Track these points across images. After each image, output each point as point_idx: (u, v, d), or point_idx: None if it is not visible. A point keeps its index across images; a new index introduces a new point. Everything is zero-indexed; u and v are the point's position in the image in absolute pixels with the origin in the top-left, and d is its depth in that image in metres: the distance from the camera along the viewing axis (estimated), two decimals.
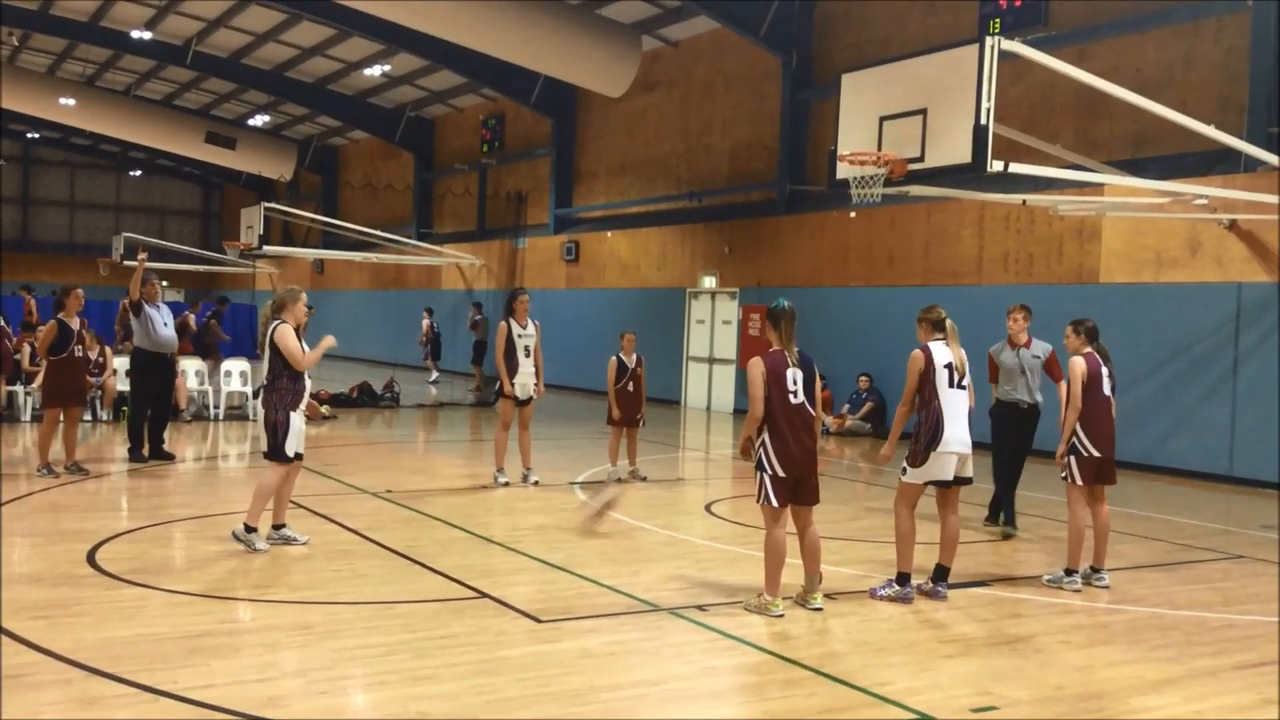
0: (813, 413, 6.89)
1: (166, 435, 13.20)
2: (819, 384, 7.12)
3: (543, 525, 9.62)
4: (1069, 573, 7.86)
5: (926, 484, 7.41)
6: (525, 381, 11.56)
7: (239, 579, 7.40)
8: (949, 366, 7.38)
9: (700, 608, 6.86)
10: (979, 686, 5.62)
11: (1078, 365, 8.03)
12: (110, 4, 27.79)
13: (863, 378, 17.78)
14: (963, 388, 7.38)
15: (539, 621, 6.46)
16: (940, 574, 7.45)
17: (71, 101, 34.22)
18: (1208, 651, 6.39)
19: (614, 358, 12.35)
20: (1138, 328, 14.59)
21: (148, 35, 28.94)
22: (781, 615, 6.69)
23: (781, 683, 5.65)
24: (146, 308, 12.49)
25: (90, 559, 7.65)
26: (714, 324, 22.14)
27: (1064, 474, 7.99)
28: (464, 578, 7.44)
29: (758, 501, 6.90)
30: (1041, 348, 10.12)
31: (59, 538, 8.40)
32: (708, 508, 10.88)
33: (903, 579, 7.28)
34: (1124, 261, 14.91)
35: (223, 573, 7.54)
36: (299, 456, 8.33)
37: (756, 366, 6.83)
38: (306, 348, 8.31)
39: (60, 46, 32.91)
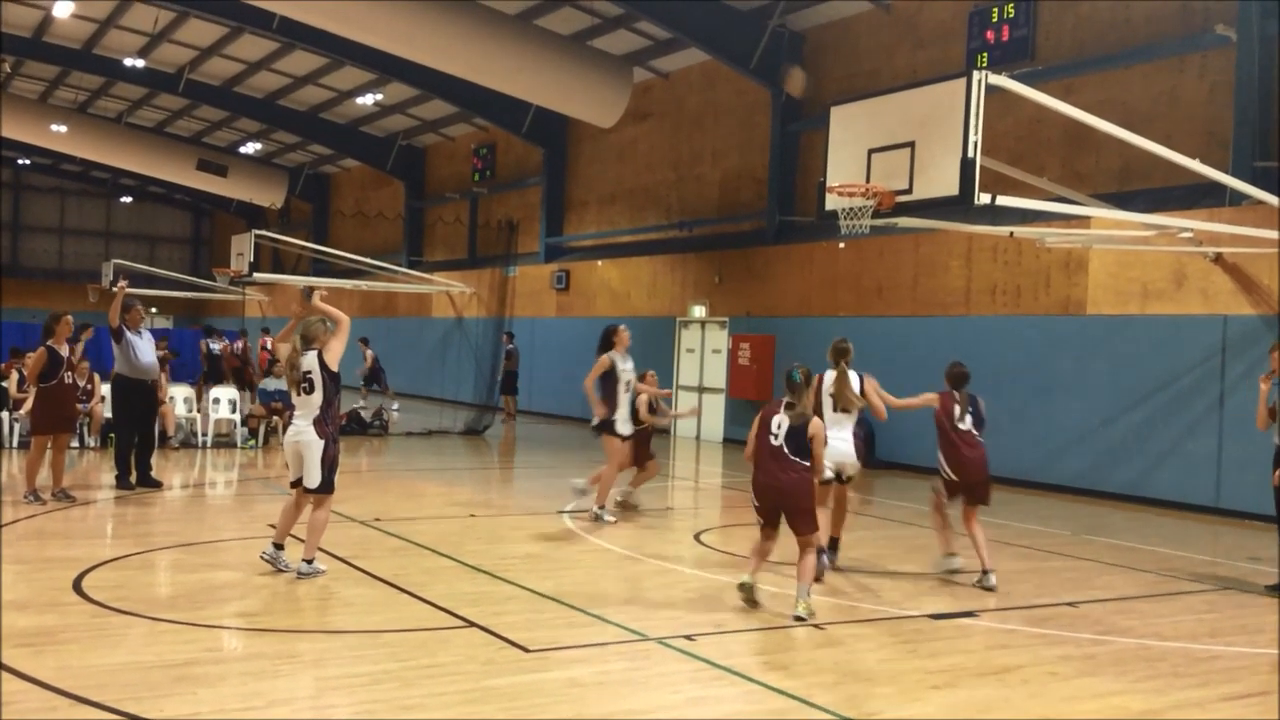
0: (791, 456, 7.68)
1: (154, 462, 13.14)
2: (815, 444, 7.75)
3: (531, 554, 9.60)
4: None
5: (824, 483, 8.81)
6: (628, 417, 11.40)
7: (225, 607, 7.37)
8: (830, 394, 9.10)
9: (688, 637, 6.86)
10: (967, 717, 5.63)
11: None
12: (104, 32, 27.88)
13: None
14: (848, 411, 9.17)
15: (527, 651, 6.45)
16: (831, 544, 9.22)
17: (63, 128, 34.25)
18: (1194, 683, 6.41)
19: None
20: (1124, 359, 14.68)
21: (140, 63, 29.03)
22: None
23: (769, 712, 5.64)
24: (128, 334, 12.39)
25: (76, 586, 7.62)
26: (704, 353, 22.18)
27: None
28: (452, 606, 7.43)
29: None
30: None
31: (45, 565, 8.36)
32: (697, 537, 10.88)
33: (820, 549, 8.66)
34: (1110, 293, 15.01)
35: (209, 601, 7.51)
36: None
37: (758, 414, 8.00)
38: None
39: (53, 73, 32.98)
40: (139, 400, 12.65)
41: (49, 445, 11.46)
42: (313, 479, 8.17)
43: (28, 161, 44.97)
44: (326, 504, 8.27)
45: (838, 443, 9.07)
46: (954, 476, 9.32)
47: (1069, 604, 8.33)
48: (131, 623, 6.78)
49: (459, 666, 6.13)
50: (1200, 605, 8.64)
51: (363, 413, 21.16)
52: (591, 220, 26.98)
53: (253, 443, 17.38)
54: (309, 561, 8.14)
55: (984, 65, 16.37)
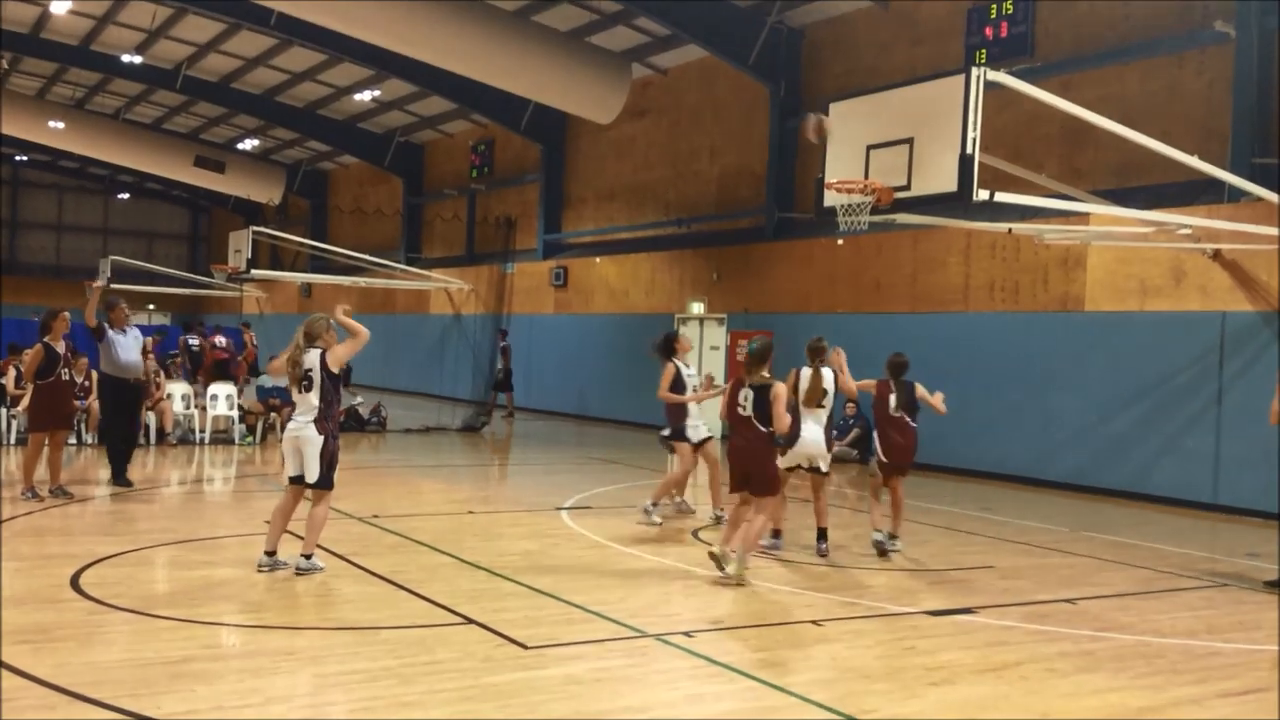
0: (757, 424, 8.52)
1: (143, 460, 13.03)
2: (776, 404, 8.45)
3: (529, 551, 9.60)
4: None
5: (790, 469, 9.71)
6: (697, 423, 11.34)
7: (223, 604, 7.37)
8: (805, 390, 9.62)
9: (687, 634, 6.86)
10: (965, 714, 5.63)
11: None
12: (101, 28, 27.84)
13: (849, 404, 17.82)
14: (821, 406, 9.65)
15: (525, 648, 6.44)
16: (820, 534, 9.82)
17: (60, 125, 34.19)
18: (1192, 679, 6.41)
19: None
20: (1122, 356, 14.68)
21: (138, 59, 29.00)
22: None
23: (767, 709, 5.64)
24: (110, 332, 12.23)
25: (74, 583, 7.61)
26: (702, 349, 22.17)
27: None
28: (450, 603, 7.42)
29: None
30: None
31: (43, 562, 8.36)
32: (695, 534, 10.87)
33: (776, 534, 9.91)
34: (1109, 290, 15.01)
35: (207, 598, 7.50)
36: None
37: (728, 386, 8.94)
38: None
39: (50, 70, 32.92)
40: (120, 398, 12.53)
41: (46, 442, 11.44)
42: (312, 474, 8.16)
43: (25, 158, 44.91)
44: (325, 500, 8.26)
45: (809, 435, 9.64)
46: (885, 459, 10.11)
47: (1067, 600, 8.33)
48: (129, 619, 6.77)
49: (457, 663, 6.13)
50: (1198, 602, 8.65)
51: (360, 409, 21.12)
52: (590, 217, 26.96)
53: (250, 439, 17.37)
54: (307, 557, 8.14)
55: (982, 62, 16.36)
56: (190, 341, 22.31)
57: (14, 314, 23.45)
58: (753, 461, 8.59)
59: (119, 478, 12.45)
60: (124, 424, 12.74)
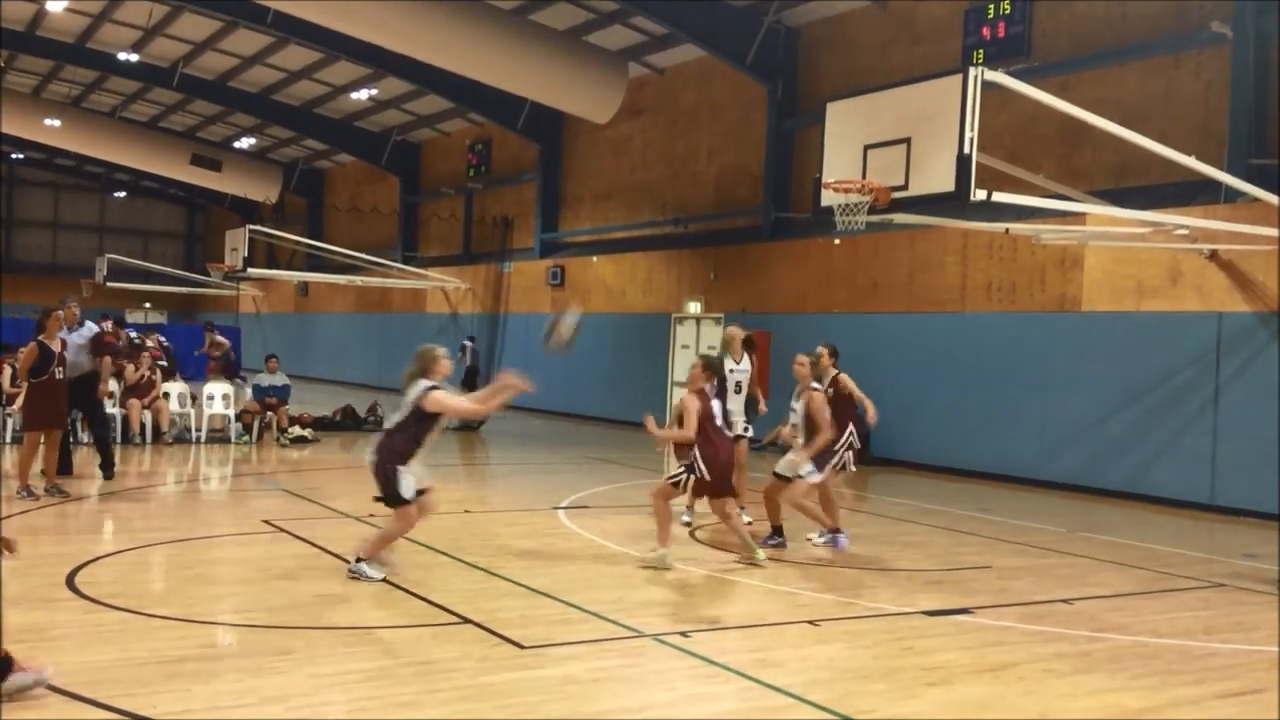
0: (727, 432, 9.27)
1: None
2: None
3: (526, 550, 9.58)
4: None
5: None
6: (736, 420, 10.86)
7: (219, 603, 7.35)
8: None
9: (684, 634, 6.84)
10: (962, 714, 5.62)
11: None
12: (98, 26, 27.80)
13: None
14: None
15: (522, 648, 6.43)
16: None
17: (57, 123, 34.17)
18: (1190, 680, 6.40)
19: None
20: (1119, 356, 14.68)
21: (134, 57, 28.96)
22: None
23: (765, 709, 5.63)
24: (69, 334, 12.06)
25: (69, 582, 7.59)
26: (699, 349, 22.16)
27: None
28: (446, 603, 7.40)
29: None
30: None
31: (38, 561, 8.32)
32: (692, 534, 10.86)
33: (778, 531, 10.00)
34: (1106, 290, 15.01)
35: (202, 597, 7.48)
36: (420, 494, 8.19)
37: (699, 406, 9.09)
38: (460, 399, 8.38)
39: (46, 68, 32.87)
40: (77, 395, 12.41)
41: (42, 440, 11.40)
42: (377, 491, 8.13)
43: (21, 156, 44.84)
44: (397, 515, 8.10)
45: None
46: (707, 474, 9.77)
47: (1064, 601, 8.32)
48: (125, 619, 6.75)
49: (454, 663, 6.11)
50: (1196, 602, 8.65)
51: (355, 408, 21.08)
52: (587, 216, 26.94)
53: (247, 438, 17.35)
54: (363, 560, 8.05)
55: (980, 62, 16.36)
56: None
57: (12, 314, 23.34)
58: (731, 464, 9.34)
59: (63, 469, 12.13)
60: (93, 419, 12.97)
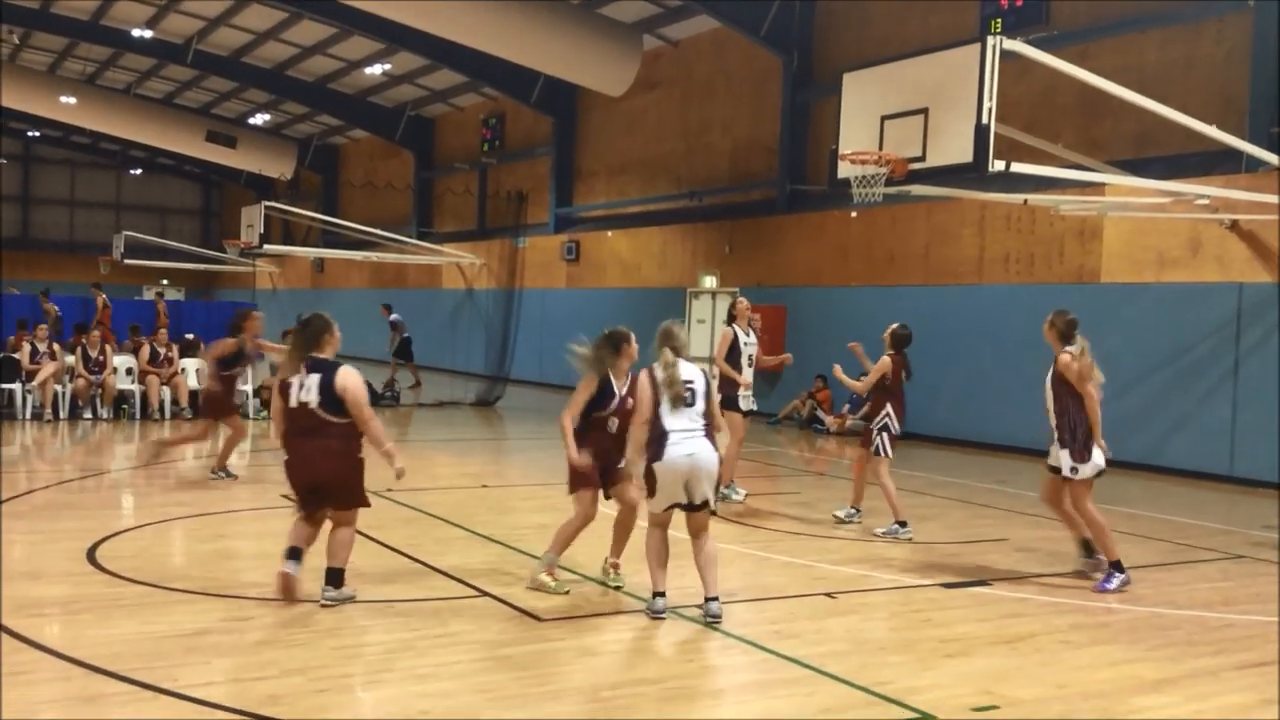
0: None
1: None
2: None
3: (543, 524, 9.58)
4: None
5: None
6: (748, 393, 10.82)
7: (239, 577, 7.40)
8: None
9: (699, 606, 6.85)
10: (980, 686, 5.62)
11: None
12: (111, 3, 27.79)
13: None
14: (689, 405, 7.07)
15: (539, 620, 6.46)
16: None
17: (72, 100, 34.21)
18: (1208, 651, 6.39)
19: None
20: (1138, 328, 14.58)
21: (148, 34, 28.93)
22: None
23: (782, 681, 5.64)
24: None
25: (90, 557, 7.65)
26: (714, 324, 22.10)
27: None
28: (464, 576, 7.44)
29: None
30: None
31: (59, 536, 8.39)
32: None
33: (1118, 566, 7.86)
34: (1125, 261, 14.90)
35: (223, 571, 7.53)
36: None
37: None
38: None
39: (61, 45, 32.91)
40: None
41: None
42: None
43: (38, 133, 44.97)
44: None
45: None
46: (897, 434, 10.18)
47: (1081, 573, 8.30)
48: (145, 592, 6.80)
49: (472, 635, 6.14)
50: (1214, 574, 8.62)
51: (373, 384, 21.10)
52: (601, 190, 26.87)
53: (265, 414, 17.40)
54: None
55: (998, 31, 16.16)
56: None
57: (31, 290, 23.42)
58: None
59: None
60: None
